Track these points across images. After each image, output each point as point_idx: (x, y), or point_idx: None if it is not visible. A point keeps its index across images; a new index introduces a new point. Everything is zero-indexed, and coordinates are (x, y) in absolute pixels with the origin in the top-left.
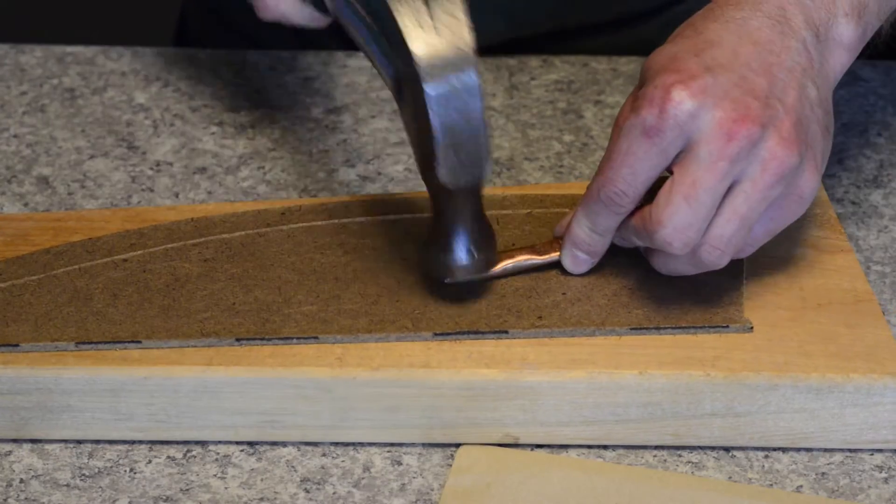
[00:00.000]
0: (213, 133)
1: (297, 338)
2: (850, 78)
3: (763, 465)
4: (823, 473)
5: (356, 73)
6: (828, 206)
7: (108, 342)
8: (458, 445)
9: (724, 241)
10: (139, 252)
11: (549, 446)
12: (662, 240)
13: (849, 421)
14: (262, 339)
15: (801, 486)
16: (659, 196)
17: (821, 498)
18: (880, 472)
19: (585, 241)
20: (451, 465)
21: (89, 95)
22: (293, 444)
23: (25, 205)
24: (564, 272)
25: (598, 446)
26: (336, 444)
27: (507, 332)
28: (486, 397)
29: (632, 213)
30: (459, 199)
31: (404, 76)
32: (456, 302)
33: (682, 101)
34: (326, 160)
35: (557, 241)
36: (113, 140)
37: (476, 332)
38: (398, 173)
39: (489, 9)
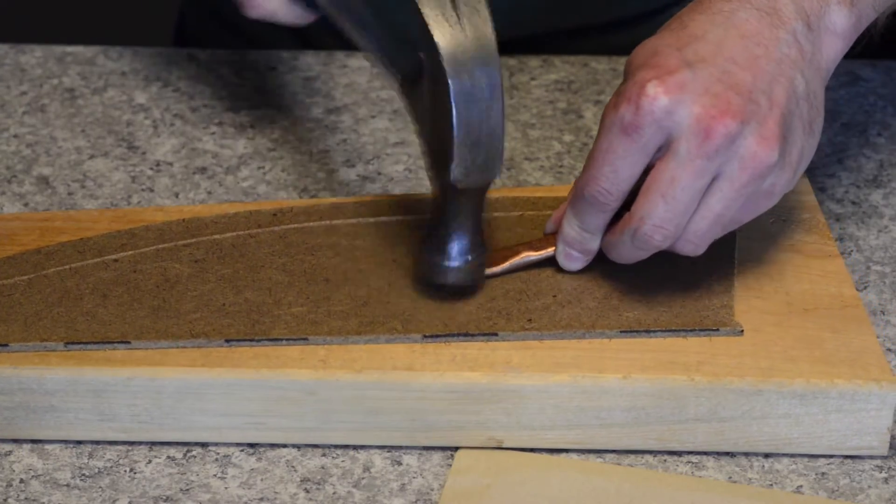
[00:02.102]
0: (213, 133)
1: (287, 339)
2: (850, 78)
3: (763, 466)
4: (823, 473)
5: (356, 73)
6: (817, 210)
7: (98, 342)
8: (443, 448)
9: (699, 236)
10: (130, 252)
11: (532, 450)
12: (643, 235)
13: (833, 427)
14: (252, 340)
15: (801, 487)
16: (640, 192)
17: (821, 498)
18: (880, 472)
19: (576, 238)
20: (450, 466)
21: (89, 95)
22: (293, 444)
23: (25, 205)
24: (558, 271)
25: (587, 450)
26: (336, 444)
27: (496, 334)
28: (469, 400)
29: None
30: (464, 200)
31: (426, 69)
32: (445, 304)
33: (657, 96)
34: (326, 160)
35: (553, 237)
36: (113, 140)
37: (465, 335)
38: (398, 173)
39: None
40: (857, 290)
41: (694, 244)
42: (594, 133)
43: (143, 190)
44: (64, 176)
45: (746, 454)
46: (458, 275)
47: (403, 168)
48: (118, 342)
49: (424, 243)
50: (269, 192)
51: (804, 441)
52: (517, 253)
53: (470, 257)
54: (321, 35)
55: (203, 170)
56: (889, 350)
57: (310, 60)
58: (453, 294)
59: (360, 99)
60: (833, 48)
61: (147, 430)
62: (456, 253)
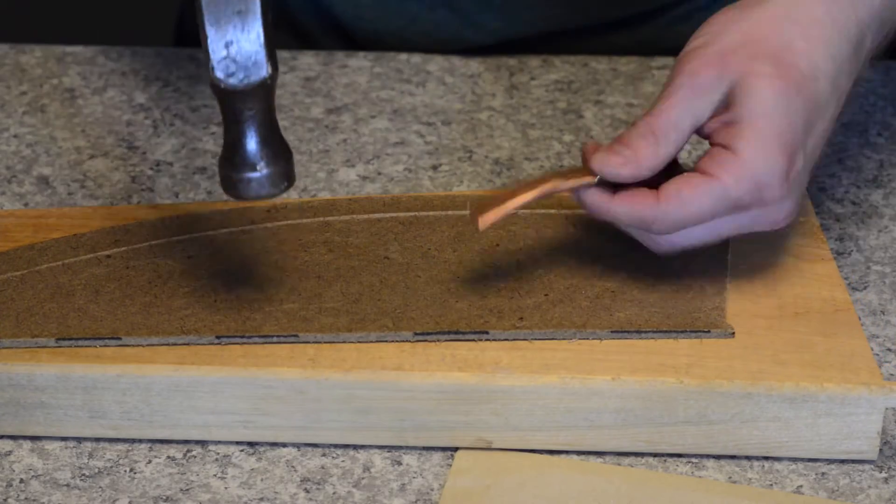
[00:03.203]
0: (213, 133)
1: (277, 336)
2: None
3: (763, 466)
4: (823, 473)
5: (356, 73)
6: (811, 213)
7: (89, 338)
8: (443, 449)
9: (691, 244)
10: (123, 248)
11: (523, 451)
12: (661, 249)
13: (823, 431)
14: (242, 336)
15: (801, 487)
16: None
17: (821, 498)
18: (880, 472)
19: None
20: (450, 466)
21: (89, 95)
22: (281, 442)
23: (25, 204)
24: (551, 269)
25: (577, 451)
26: (326, 443)
27: (487, 332)
28: (458, 401)
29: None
30: (239, 105)
31: None
32: (437, 301)
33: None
34: (326, 160)
35: (587, 169)
36: (113, 140)
37: (456, 333)
38: (398, 173)
39: (489, 9)
40: (857, 290)
41: (682, 248)
42: (594, 133)
43: (143, 190)
44: (64, 176)
45: (747, 455)
46: (247, 186)
47: (403, 168)
48: (109, 338)
49: (219, 159)
50: None
51: (794, 445)
52: (546, 185)
53: (265, 167)
54: (321, 35)
55: (203, 170)
56: (889, 350)
57: (310, 60)
58: (443, 290)
59: (360, 99)
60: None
61: (137, 428)
62: (241, 163)
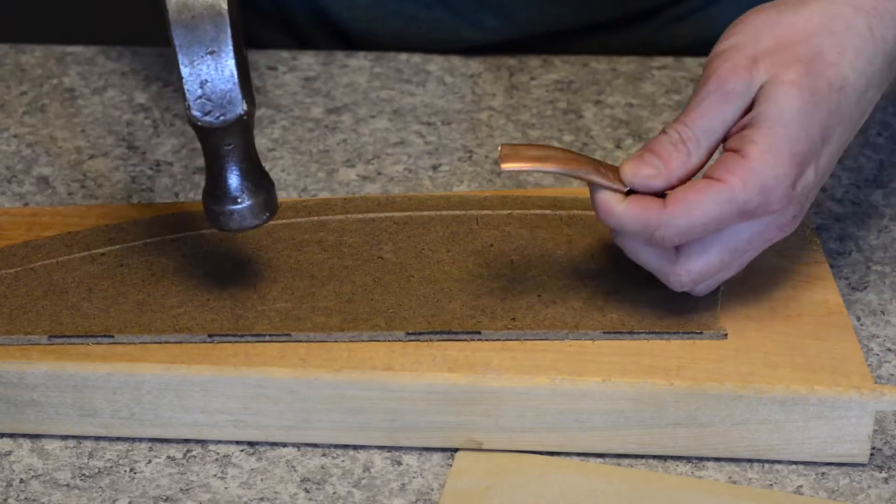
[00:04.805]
0: None
1: (270, 335)
2: None
3: (763, 466)
4: (823, 473)
5: (356, 73)
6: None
7: (81, 336)
8: (443, 449)
9: (709, 265)
10: (117, 246)
11: (512, 452)
12: (678, 283)
13: (813, 434)
14: (235, 335)
15: (801, 487)
16: (697, 246)
17: (821, 499)
18: (880, 472)
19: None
20: (450, 466)
21: (89, 95)
22: (289, 443)
23: (25, 205)
24: (544, 270)
25: (567, 453)
26: (336, 444)
27: (479, 332)
28: (448, 402)
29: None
30: (217, 141)
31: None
32: (430, 301)
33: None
34: (326, 160)
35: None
36: (113, 140)
37: (449, 332)
38: (398, 173)
39: (487, 7)
40: (857, 290)
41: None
42: (594, 133)
43: (143, 190)
44: (64, 176)
45: (738, 458)
46: (229, 219)
47: (403, 168)
48: (101, 336)
49: (203, 191)
50: None
51: (785, 448)
52: (582, 164)
53: (241, 199)
54: (321, 35)
55: (203, 170)
56: (889, 350)
57: (310, 60)
58: (436, 290)
59: (360, 99)
60: None
61: (128, 426)
62: (222, 196)
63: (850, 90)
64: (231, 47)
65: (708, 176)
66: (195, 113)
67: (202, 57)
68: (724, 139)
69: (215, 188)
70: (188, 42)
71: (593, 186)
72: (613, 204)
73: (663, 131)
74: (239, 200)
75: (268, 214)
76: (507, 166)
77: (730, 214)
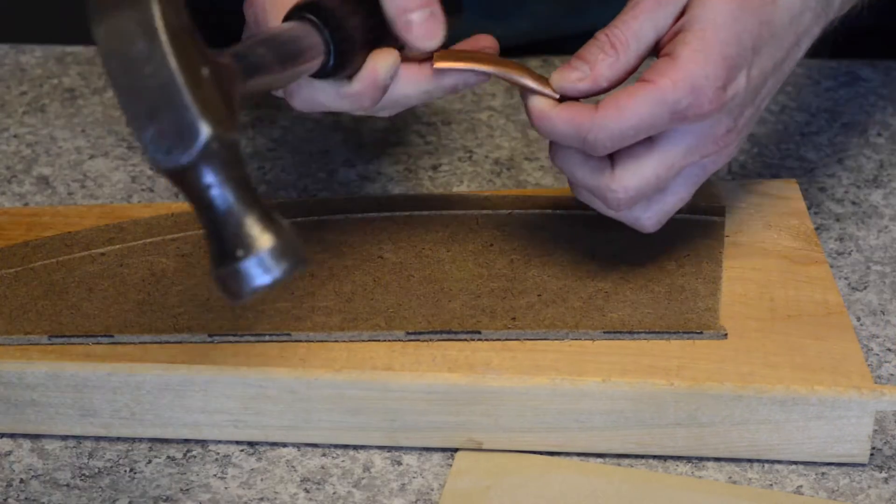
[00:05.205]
0: None
1: (270, 334)
2: (850, 78)
3: (763, 466)
4: (823, 473)
5: None
6: (805, 216)
7: (81, 336)
8: (443, 449)
9: (647, 183)
10: (117, 246)
11: (513, 452)
12: (615, 201)
13: (813, 434)
14: (235, 335)
15: (801, 487)
16: (631, 160)
17: (821, 499)
18: (880, 472)
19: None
20: (450, 466)
21: (89, 95)
22: (289, 443)
23: (25, 205)
24: (545, 270)
25: (568, 453)
26: (335, 444)
27: (479, 332)
28: (448, 402)
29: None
30: (192, 184)
31: None
32: (429, 301)
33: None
34: (326, 160)
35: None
36: (113, 140)
37: (449, 332)
38: (398, 173)
39: (495, 18)
40: (857, 290)
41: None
42: None
43: (143, 190)
44: (64, 176)
45: (738, 458)
46: (234, 281)
47: (403, 168)
48: (101, 336)
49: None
50: (268, 192)
51: (785, 448)
52: (514, 68)
53: (239, 253)
54: None
55: None
56: (889, 350)
57: None
58: (436, 290)
59: None
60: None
61: (127, 426)
62: (218, 255)
63: (783, 5)
64: (182, 81)
65: (640, 80)
66: (155, 156)
67: (147, 109)
68: (658, 47)
69: (210, 246)
70: (130, 100)
71: (526, 93)
72: (546, 108)
73: (594, 37)
74: (237, 255)
75: (286, 265)
76: (439, 65)
77: (661, 116)
